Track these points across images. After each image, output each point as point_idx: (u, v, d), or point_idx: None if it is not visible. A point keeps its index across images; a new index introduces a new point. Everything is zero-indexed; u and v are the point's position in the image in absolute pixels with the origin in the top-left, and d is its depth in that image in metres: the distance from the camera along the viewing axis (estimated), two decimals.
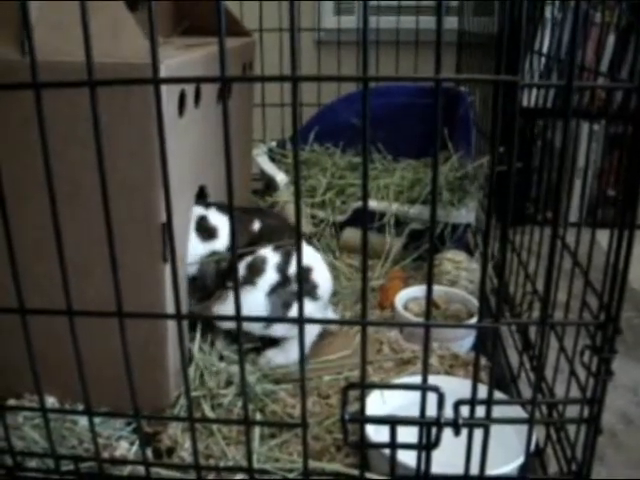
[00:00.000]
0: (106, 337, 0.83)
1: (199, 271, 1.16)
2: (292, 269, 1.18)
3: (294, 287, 1.17)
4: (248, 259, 1.16)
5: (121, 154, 0.88)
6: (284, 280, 1.17)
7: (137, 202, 0.91)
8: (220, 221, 1.18)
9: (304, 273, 1.20)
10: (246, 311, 1.12)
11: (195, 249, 1.15)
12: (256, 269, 1.16)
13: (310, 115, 2.06)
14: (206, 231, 1.17)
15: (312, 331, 1.21)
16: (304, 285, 1.18)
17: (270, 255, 1.17)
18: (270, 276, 1.16)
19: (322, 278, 1.23)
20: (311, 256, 1.24)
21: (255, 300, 1.15)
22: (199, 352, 1.13)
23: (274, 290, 1.16)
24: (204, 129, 1.11)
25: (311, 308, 1.19)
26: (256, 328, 1.17)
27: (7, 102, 0.88)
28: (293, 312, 1.16)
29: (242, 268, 1.15)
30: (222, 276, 1.16)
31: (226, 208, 1.20)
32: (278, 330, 1.17)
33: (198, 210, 1.18)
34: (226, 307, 1.14)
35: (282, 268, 1.17)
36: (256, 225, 1.22)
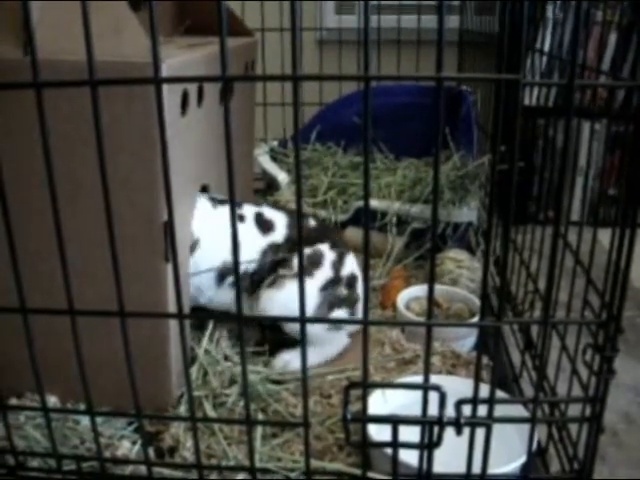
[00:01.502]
0: (108, 336, 0.83)
1: (259, 265, 1.18)
2: (345, 270, 1.20)
3: (343, 290, 1.19)
4: (307, 251, 1.18)
5: (123, 153, 0.88)
6: (337, 279, 1.19)
7: (139, 201, 0.91)
8: (275, 215, 1.22)
9: (352, 281, 1.22)
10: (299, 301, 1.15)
11: (256, 243, 1.18)
12: (315, 262, 1.18)
13: (312, 114, 2.05)
14: (264, 225, 1.20)
15: (343, 340, 1.23)
16: (350, 293, 1.21)
17: (327, 251, 1.20)
18: (326, 271, 1.18)
19: (362, 293, 1.24)
20: (356, 267, 1.25)
21: (309, 291, 1.15)
22: (204, 352, 1.13)
23: (326, 287, 1.17)
24: (206, 128, 1.11)
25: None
26: (295, 326, 1.16)
27: (9, 101, 0.88)
28: (333, 315, 1.18)
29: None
30: (275, 265, 1.18)
31: (276, 207, 1.26)
32: (317, 329, 1.17)
33: (252, 208, 1.22)
34: (280, 294, 1.15)
35: (337, 267, 1.20)
36: (311, 222, 1.26)
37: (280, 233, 1.19)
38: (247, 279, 1.18)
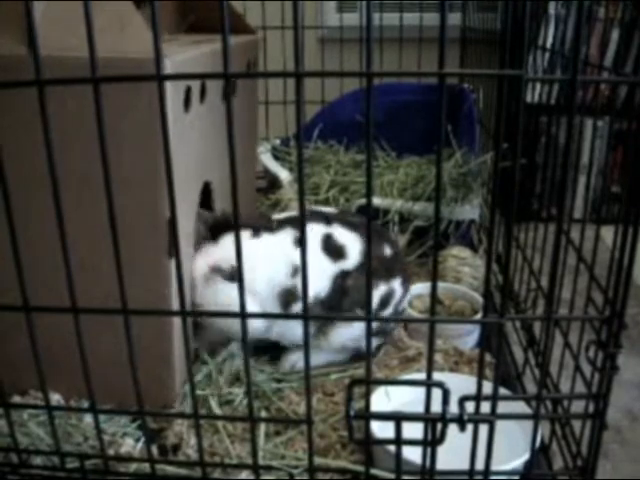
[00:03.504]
0: (112, 333, 0.83)
1: (330, 292, 1.10)
2: (401, 306, 1.18)
3: (391, 325, 1.19)
4: (382, 290, 1.13)
5: (127, 149, 0.88)
6: (394, 312, 1.17)
7: (143, 197, 0.91)
8: (348, 239, 1.12)
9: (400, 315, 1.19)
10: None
11: (325, 270, 1.10)
12: (386, 302, 1.14)
13: (314, 112, 2.05)
14: (334, 250, 1.10)
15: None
16: (394, 327, 1.20)
17: (398, 288, 1.15)
18: (389, 310, 1.16)
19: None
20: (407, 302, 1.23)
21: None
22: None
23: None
24: (209, 126, 1.11)
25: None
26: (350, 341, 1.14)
27: (14, 96, 0.87)
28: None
29: (376, 297, 1.12)
30: (343, 294, 1.10)
31: (352, 224, 1.14)
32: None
33: (320, 228, 1.12)
34: (351, 330, 1.11)
35: (398, 303, 1.17)
36: (387, 250, 1.16)
37: (353, 261, 1.10)
38: (318, 306, 1.09)
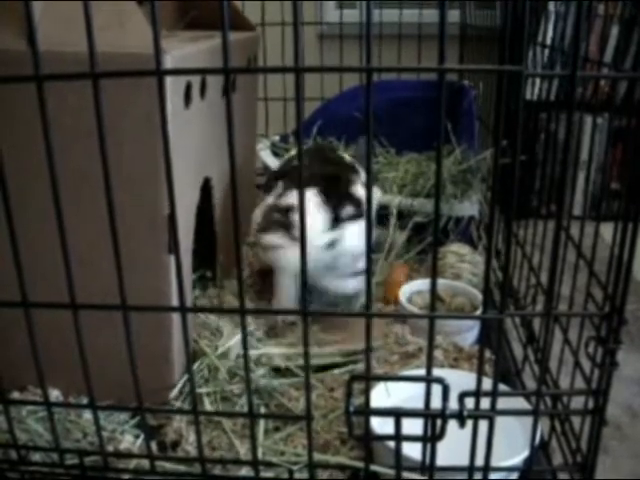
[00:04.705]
0: (111, 329, 0.83)
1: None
2: (286, 201, 1.23)
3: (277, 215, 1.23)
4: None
5: (128, 144, 0.88)
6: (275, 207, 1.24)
7: (143, 193, 0.91)
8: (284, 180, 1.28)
9: (288, 209, 1.23)
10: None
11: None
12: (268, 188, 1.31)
13: (313, 109, 2.05)
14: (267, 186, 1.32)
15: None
16: (284, 219, 1.23)
17: (311, 197, 1.20)
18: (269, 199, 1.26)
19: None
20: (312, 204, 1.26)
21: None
22: (208, 346, 1.12)
23: (269, 211, 1.24)
24: (209, 121, 1.11)
25: None
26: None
27: (15, 92, 0.87)
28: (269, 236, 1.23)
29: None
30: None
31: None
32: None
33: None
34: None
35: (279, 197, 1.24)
36: (290, 199, 1.22)
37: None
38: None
